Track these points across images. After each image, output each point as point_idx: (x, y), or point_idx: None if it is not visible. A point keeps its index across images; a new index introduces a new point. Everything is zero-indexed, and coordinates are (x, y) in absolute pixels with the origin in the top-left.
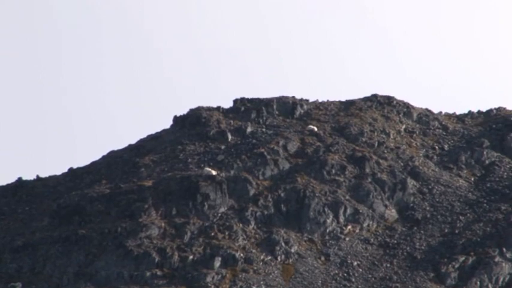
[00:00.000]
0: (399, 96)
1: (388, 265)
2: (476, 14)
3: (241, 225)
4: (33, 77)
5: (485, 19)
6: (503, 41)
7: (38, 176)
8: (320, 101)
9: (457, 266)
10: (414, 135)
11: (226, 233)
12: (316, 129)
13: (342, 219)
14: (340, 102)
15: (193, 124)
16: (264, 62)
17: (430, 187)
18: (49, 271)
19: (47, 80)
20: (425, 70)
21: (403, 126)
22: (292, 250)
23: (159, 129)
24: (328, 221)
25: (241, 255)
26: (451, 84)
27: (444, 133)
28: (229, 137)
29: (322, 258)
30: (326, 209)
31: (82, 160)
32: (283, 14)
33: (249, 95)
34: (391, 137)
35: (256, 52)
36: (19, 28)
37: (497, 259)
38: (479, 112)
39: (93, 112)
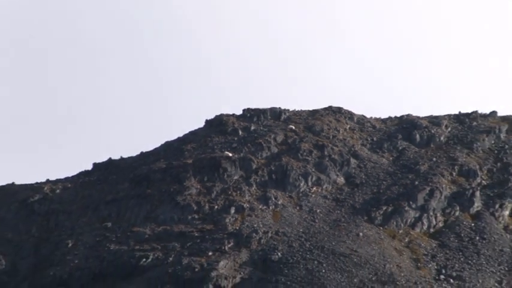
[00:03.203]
0: (346, 106)
1: (338, 212)
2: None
3: (247, 187)
4: (107, 79)
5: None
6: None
7: (121, 157)
8: (296, 110)
9: (381, 212)
10: (355, 131)
11: (238, 192)
12: (294, 127)
13: (309, 183)
14: (309, 110)
15: (217, 124)
16: (263, 84)
17: (364, 163)
18: (128, 215)
19: (118, 86)
20: (362, 88)
21: (348, 126)
22: (279, 202)
23: (196, 128)
24: (302, 184)
25: (247, 206)
26: (377, 98)
27: (373, 130)
28: (240, 132)
29: (297, 207)
30: (300, 177)
31: (147, 147)
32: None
33: (253, 106)
34: (340, 132)
35: (259, 76)
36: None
37: (406, 208)
38: (395, 117)
39: (156, 114)
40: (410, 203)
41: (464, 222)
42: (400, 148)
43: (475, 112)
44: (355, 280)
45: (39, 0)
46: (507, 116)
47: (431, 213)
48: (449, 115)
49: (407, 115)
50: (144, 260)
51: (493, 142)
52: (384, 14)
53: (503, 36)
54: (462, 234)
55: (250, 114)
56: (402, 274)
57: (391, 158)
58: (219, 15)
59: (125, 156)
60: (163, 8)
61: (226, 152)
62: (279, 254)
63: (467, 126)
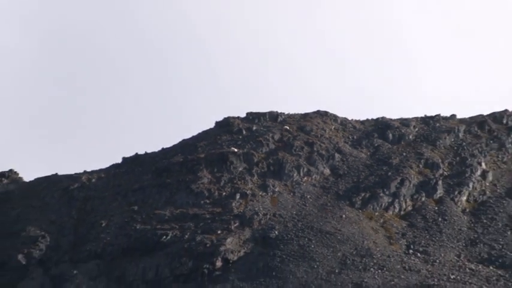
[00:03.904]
0: (332, 110)
1: (325, 197)
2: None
3: (250, 177)
4: (134, 87)
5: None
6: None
7: (145, 152)
8: (290, 113)
9: (360, 198)
10: (338, 131)
11: (242, 181)
12: (288, 128)
13: (301, 174)
14: (301, 114)
15: (225, 125)
16: (264, 91)
17: (346, 157)
18: (151, 201)
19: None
20: (345, 94)
21: (333, 127)
22: (276, 190)
23: (207, 128)
24: (295, 175)
25: (250, 192)
26: (358, 103)
27: (354, 130)
28: (244, 132)
29: (291, 194)
30: (293, 169)
31: (167, 144)
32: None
33: (254, 109)
34: (327, 132)
35: (261, 85)
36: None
37: (381, 195)
38: (372, 119)
39: (175, 117)
40: (384, 190)
41: (429, 206)
42: (376, 145)
43: (438, 115)
44: (338, 254)
45: None
46: (464, 118)
47: (401, 199)
48: (416, 117)
49: (382, 117)
50: (164, 237)
51: (452, 140)
52: (364, 27)
53: (462, 49)
54: (427, 216)
55: (252, 117)
56: (377, 249)
57: (368, 153)
58: (231, 35)
59: (149, 151)
60: (186, 27)
61: (233, 148)
62: (276, 232)
63: (432, 126)
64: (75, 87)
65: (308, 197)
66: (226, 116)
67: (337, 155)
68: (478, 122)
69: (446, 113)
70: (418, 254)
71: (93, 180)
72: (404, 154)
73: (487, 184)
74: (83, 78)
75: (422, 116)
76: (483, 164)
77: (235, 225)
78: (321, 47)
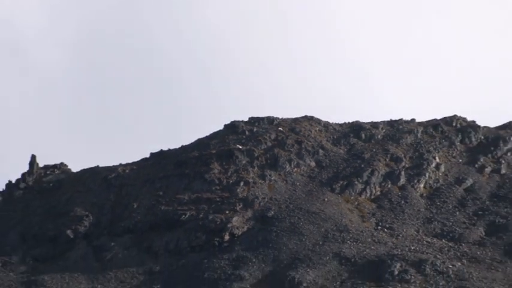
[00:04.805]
0: (316, 115)
1: (311, 185)
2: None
3: (251, 168)
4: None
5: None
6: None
7: (168, 148)
8: (284, 118)
9: (339, 185)
10: (322, 132)
11: (245, 172)
12: (282, 129)
13: (292, 166)
14: (292, 118)
15: (232, 127)
16: (264, 96)
17: (328, 153)
18: (173, 187)
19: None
20: (327, 102)
21: (317, 128)
22: (272, 178)
23: (217, 129)
24: (287, 167)
25: (251, 180)
26: (337, 110)
27: (334, 131)
28: (247, 132)
29: (284, 182)
30: (286, 162)
31: (186, 142)
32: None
33: (256, 115)
34: (312, 132)
35: (262, 92)
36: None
37: (356, 182)
38: (349, 122)
39: (193, 120)
40: (358, 179)
41: (394, 192)
42: (352, 143)
43: (401, 119)
44: (322, 229)
45: None
46: (421, 121)
47: (372, 186)
48: (384, 121)
49: (356, 121)
50: (183, 216)
51: (412, 139)
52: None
53: (420, 62)
54: (392, 200)
55: (253, 121)
56: (353, 225)
57: (345, 150)
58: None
59: (171, 148)
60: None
61: (238, 146)
62: (272, 212)
63: (396, 128)
64: (115, 94)
65: (297, 184)
66: (232, 120)
67: (320, 151)
68: (433, 124)
69: (407, 117)
70: (385, 230)
71: (127, 171)
72: (374, 150)
73: (440, 174)
74: (120, 86)
75: (389, 120)
76: (437, 158)
77: (239, 207)
78: (302, 62)
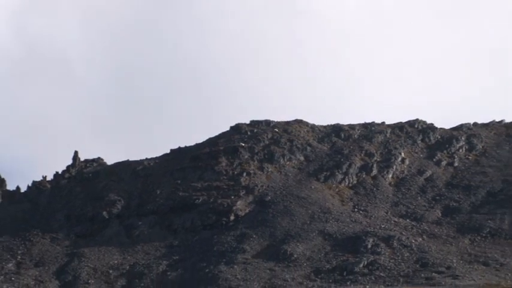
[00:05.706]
0: (305, 118)
1: (300, 175)
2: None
3: (252, 162)
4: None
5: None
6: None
7: (185, 145)
8: (278, 121)
9: (323, 175)
10: (309, 132)
11: (247, 164)
12: (277, 130)
13: (285, 159)
14: (285, 121)
15: (236, 129)
16: (263, 102)
17: (314, 149)
18: (188, 177)
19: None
20: (314, 106)
21: (306, 129)
22: (269, 170)
23: (225, 130)
24: (282, 161)
25: (252, 171)
26: (323, 113)
27: (319, 131)
28: (248, 133)
29: (279, 173)
30: (280, 156)
31: (199, 140)
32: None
33: (256, 118)
34: (301, 133)
35: (262, 99)
36: None
37: (336, 173)
38: (331, 124)
39: (205, 123)
40: (339, 170)
41: (368, 181)
42: (333, 141)
43: (373, 122)
44: (309, 211)
45: None
46: (390, 124)
47: (350, 176)
48: (359, 123)
49: (337, 124)
50: (197, 200)
51: (383, 138)
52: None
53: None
54: (366, 187)
55: (254, 123)
56: (334, 208)
57: (328, 147)
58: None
59: (187, 145)
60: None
61: (241, 143)
62: (269, 197)
63: (369, 130)
64: (143, 104)
65: (290, 174)
66: (237, 122)
67: (308, 147)
68: (399, 126)
69: (378, 120)
70: (361, 212)
71: (151, 164)
72: (351, 147)
73: (405, 166)
74: (145, 96)
75: (363, 122)
76: (402, 153)
77: (243, 193)
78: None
